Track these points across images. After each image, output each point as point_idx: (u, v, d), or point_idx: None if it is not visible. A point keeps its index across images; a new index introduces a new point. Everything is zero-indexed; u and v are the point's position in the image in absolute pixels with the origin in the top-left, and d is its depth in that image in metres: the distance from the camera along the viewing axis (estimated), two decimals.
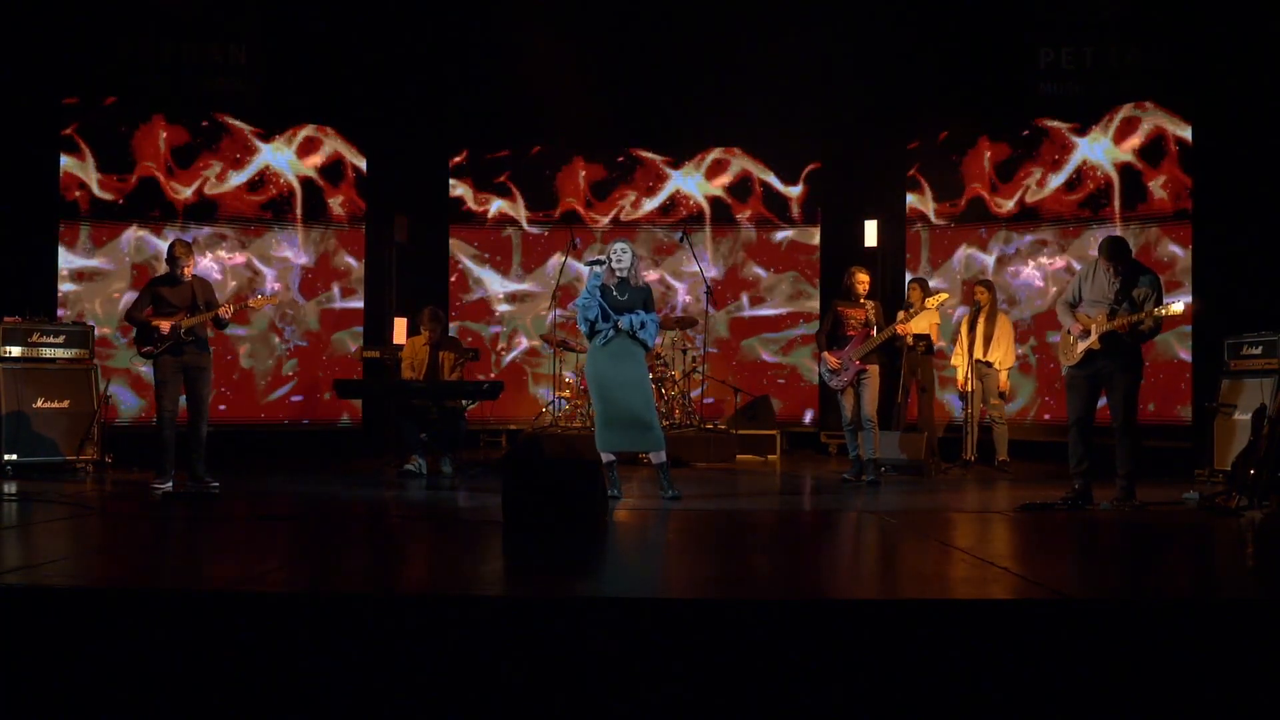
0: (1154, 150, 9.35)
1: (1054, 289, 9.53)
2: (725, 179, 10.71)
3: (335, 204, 10.21)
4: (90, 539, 4.68)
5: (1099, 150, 9.54)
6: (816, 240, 10.66)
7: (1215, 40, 8.78)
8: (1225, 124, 8.74)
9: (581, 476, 4.81)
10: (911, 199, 10.27)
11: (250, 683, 2.93)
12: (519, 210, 10.74)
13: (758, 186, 10.69)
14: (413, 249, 9.99)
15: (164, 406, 6.49)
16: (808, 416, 10.56)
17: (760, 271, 10.66)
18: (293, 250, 10.08)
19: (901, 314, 7.50)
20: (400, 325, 9.31)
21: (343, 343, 10.19)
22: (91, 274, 9.61)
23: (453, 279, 10.66)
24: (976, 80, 9.63)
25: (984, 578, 3.64)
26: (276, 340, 10.01)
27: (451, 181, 10.74)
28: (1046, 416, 9.54)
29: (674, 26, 9.70)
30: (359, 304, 10.28)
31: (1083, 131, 9.58)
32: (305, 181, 10.12)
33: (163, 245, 9.65)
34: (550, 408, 9.68)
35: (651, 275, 10.37)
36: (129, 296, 9.49)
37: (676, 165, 10.74)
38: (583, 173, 10.74)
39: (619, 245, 6.09)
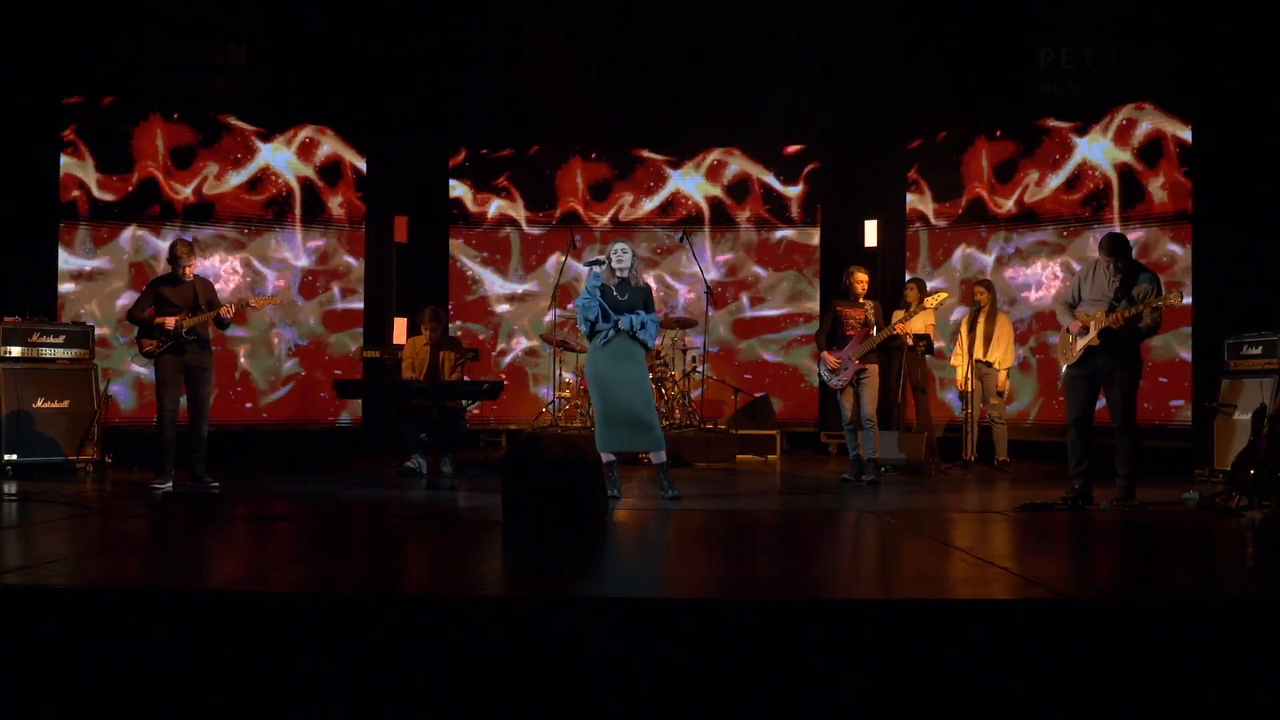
0: (1154, 150, 9.35)
1: (1054, 289, 9.53)
2: (725, 179, 10.71)
3: (335, 204, 10.21)
4: (90, 539, 4.68)
5: (1099, 150, 9.55)
6: (816, 240, 10.66)
7: (1215, 40, 8.77)
8: (1225, 124, 8.73)
9: (581, 476, 4.80)
10: (911, 199, 10.27)
11: (250, 683, 2.93)
12: (519, 210, 10.74)
13: (757, 186, 10.69)
14: (412, 249, 9.99)
15: (165, 407, 6.49)
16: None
17: (760, 271, 10.66)
18: (292, 250, 10.08)
19: (901, 314, 7.51)
20: (400, 325, 9.32)
21: (343, 343, 10.19)
22: (91, 274, 9.61)
23: (452, 279, 10.66)
24: (976, 80, 9.62)
25: (984, 578, 3.64)
26: (276, 340, 10.01)
27: (451, 182, 10.74)
28: (1047, 416, 9.54)
29: (674, 26, 9.70)
30: (359, 304, 10.28)
31: (1083, 131, 9.58)
32: (305, 182, 10.12)
33: (162, 245, 9.65)
34: (550, 408, 9.68)
35: (651, 275, 10.37)
36: (127, 297, 9.50)
37: (676, 165, 10.74)
38: (581, 173, 10.74)
39: (619, 245, 6.09)
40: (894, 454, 7.72)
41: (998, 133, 9.90)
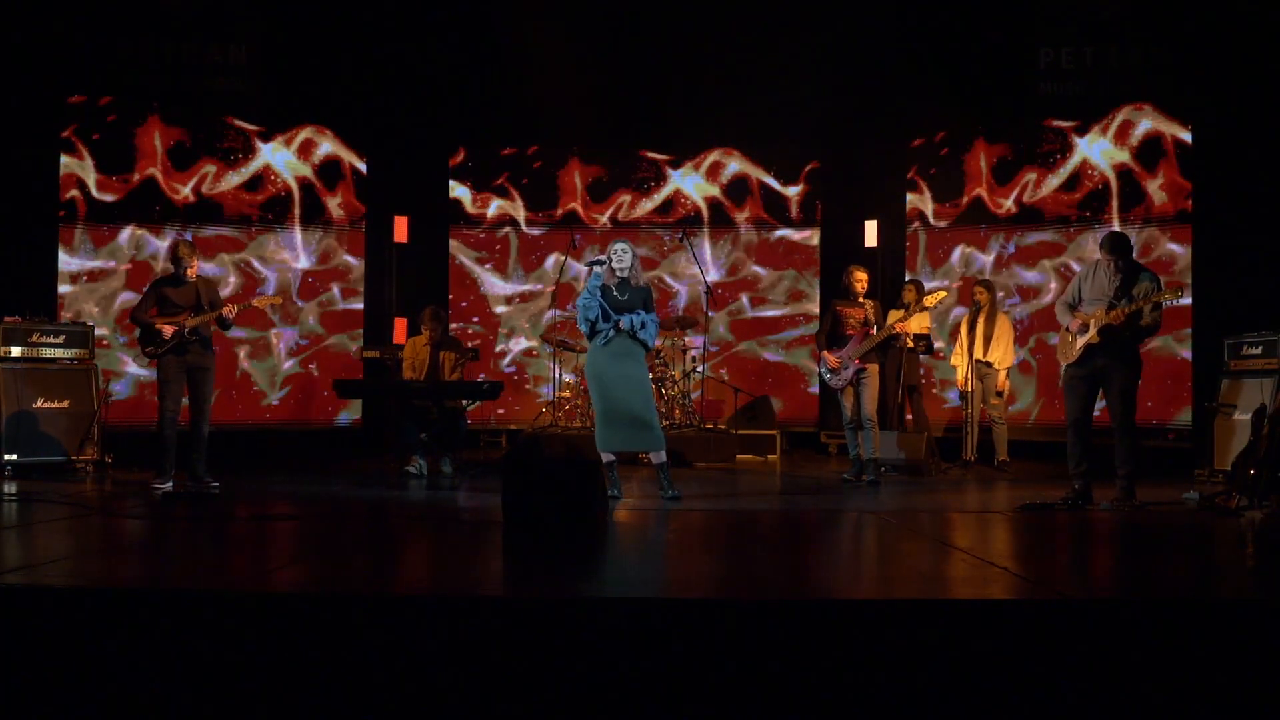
0: (1154, 150, 9.35)
1: (1053, 289, 9.53)
2: (725, 179, 10.71)
3: (335, 204, 10.21)
4: (90, 539, 4.68)
5: (1099, 150, 9.55)
6: (816, 240, 10.66)
7: (1215, 41, 8.77)
8: (1225, 124, 8.74)
9: (581, 476, 4.81)
10: (911, 199, 10.27)
11: (250, 683, 2.93)
12: (518, 210, 10.74)
13: (757, 186, 10.69)
14: (412, 249, 10.00)
15: (166, 406, 6.48)
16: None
17: (759, 271, 10.66)
18: (293, 251, 10.08)
19: (899, 314, 7.51)
20: (400, 325, 9.31)
21: (343, 343, 10.19)
22: (90, 274, 9.60)
23: (452, 279, 10.66)
24: (977, 80, 9.63)
25: (984, 578, 3.64)
26: (276, 341, 10.01)
27: (451, 182, 10.74)
28: (1047, 416, 9.54)
29: (673, 26, 9.70)
30: (359, 304, 10.28)
31: (1083, 132, 9.59)
32: (305, 182, 10.12)
33: (162, 246, 9.66)
34: (550, 408, 9.68)
35: (650, 275, 10.37)
36: (125, 297, 9.51)
37: (676, 165, 10.74)
38: (580, 173, 10.74)
39: (619, 245, 6.09)
40: (894, 454, 7.72)
41: (998, 133, 9.90)
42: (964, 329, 8.41)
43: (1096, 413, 6.03)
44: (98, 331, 8.54)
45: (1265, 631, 3.02)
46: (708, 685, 2.89)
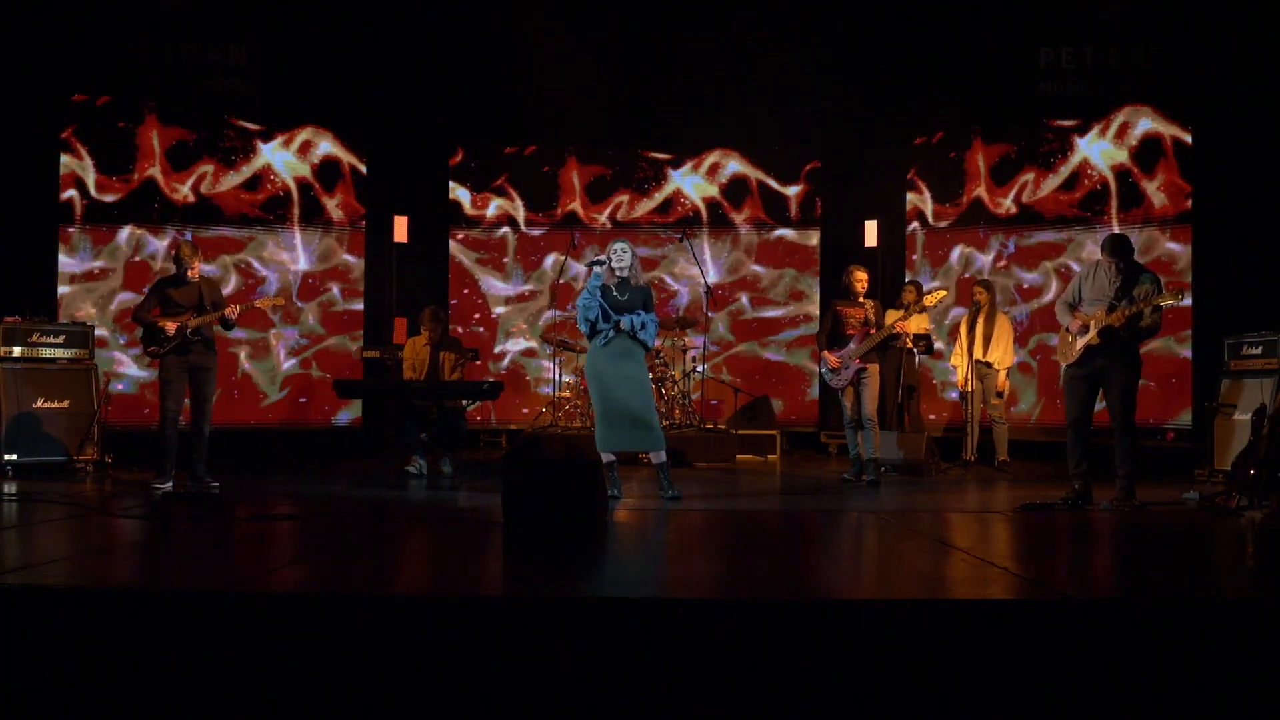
0: (1154, 151, 9.35)
1: (1053, 289, 9.53)
2: (724, 179, 10.71)
3: (335, 204, 10.21)
4: (90, 539, 4.67)
5: (1099, 150, 9.55)
6: (816, 240, 10.66)
7: (1215, 41, 8.77)
8: (1225, 124, 8.74)
9: (581, 476, 4.80)
10: (911, 199, 10.27)
11: (250, 683, 2.93)
12: (518, 210, 10.74)
13: (756, 186, 10.69)
14: (412, 249, 9.99)
15: (168, 406, 6.48)
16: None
17: (759, 270, 10.66)
18: (293, 251, 10.08)
19: (898, 314, 7.51)
20: (400, 325, 9.31)
21: (343, 343, 10.19)
22: (89, 274, 9.60)
23: (452, 279, 10.66)
24: (977, 80, 9.63)
25: (984, 578, 3.64)
26: (276, 341, 10.01)
27: (450, 183, 10.74)
28: (1048, 417, 9.54)
29: (674, 26, 9.70)
30: (359, 305, 10.28)
31: (1083, 132, 9.59)
32: (304, 182, 10.12)
33: (161, 246, 9.66)
34: (550, 408, 9.68)
35: (650, 276, 10.37)
36: (124, 297, 9.51)
37: (676, 165, 10.74)
38: (580, 173, 10.74)
39: (619, 245, 6.09)
40: (894, 454, 7.72)
41: (997, 133, 9.90)
42: (964, 329, 8.41)
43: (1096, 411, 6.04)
44: (96, 332, 8.54)
45: (1265, 631, 3.02)
46: (708, 685, 2.89)
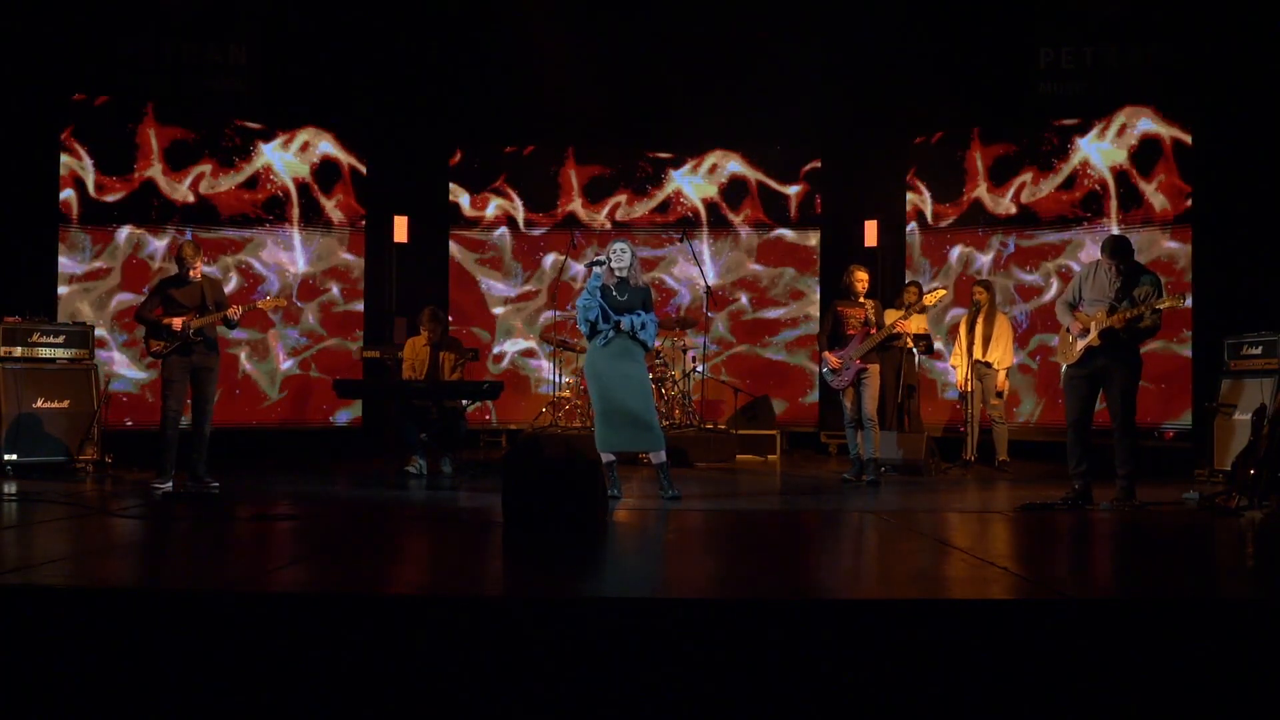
0: (1153, 151, 9.35)
1: (1053, 289, 9.53)
2: (724, 179, 10.71)
3: (335, 205, 10.21)
4: (90, 539, 4.67)
5: (1099, 150, 9.55)
6: (816, 240, 10.66)
7: (1215, 41, 8.77)
8: (1225, 125, 8.74)
9: (581, 476, 4.80)
10: (911, 199, 10.27)
11: (250, 683, 2.93)
12: (517, 210, 10.74)
13: (756, 186, 10.69)
14: (412, 249, 9.99)
15: (169, 406, 6.48)
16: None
17: (759, 270, 10.66)
18: (292, 251, 10.08)
19: (898, 313, 7.51)
20: (400, 325, 9.31)
21: (343, 343, 10.19)
22: (88, 275, 9.59)
23: (451, 279, 10.65)
24: (976, 80, 9.63)
25: (984, 578, 3.64)
26: (276, 341, 10.01)
27: (450, 183, 10.74)
28: (1048, 417, 9.55)
29: (674, 26, 9.70)
30: (359, 305, 10.28)
31: (1083, 132, 9.59)
32: (304, 183, 10.12)
33: (160, 246, 9.66)
34: (549, 408, 9.68)
35: (650, 276, 10.37)
36: (122, 298, 9.50)
37: (676, 165, 10.74)
38: (579, 173, 10.74)
39: (618, 245, 6.09)
40: (894, 454, 7.72)
41: (997, 133, 9.89)
42: (963, 329, 8.41)
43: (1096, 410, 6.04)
44: (96, 332, 8.54)
45: (1265, 631, 3.02)
46: (707, 685, 2.89)
